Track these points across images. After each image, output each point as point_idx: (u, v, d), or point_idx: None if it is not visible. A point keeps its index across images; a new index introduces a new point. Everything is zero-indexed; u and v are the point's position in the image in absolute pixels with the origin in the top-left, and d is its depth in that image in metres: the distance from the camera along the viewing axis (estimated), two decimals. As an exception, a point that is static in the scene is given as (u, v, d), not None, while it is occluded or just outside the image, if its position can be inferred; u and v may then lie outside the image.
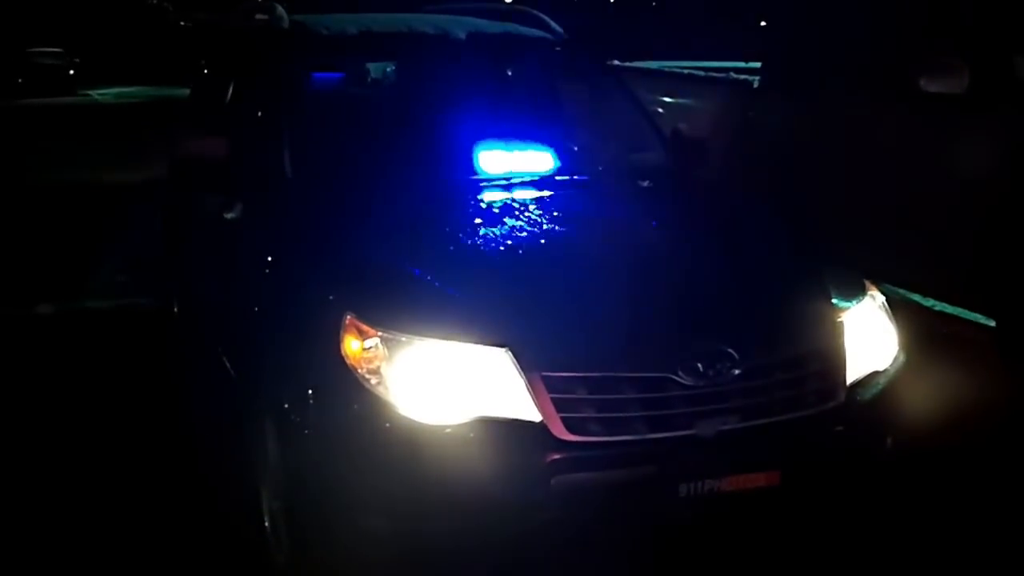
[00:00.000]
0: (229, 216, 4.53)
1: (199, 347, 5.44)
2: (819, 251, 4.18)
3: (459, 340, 3.34)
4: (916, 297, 5.69)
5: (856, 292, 3.94)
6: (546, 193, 4.43)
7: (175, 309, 6.23)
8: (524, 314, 3.43)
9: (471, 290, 3.54)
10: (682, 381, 3.36)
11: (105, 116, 19.98)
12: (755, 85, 7.65)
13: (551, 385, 3.28)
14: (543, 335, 3.37)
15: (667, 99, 8.65)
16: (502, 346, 3.31)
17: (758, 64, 8.06)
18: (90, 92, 25.91)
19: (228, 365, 4.70)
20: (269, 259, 4.16)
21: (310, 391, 3.52)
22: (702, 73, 8.84)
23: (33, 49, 27.26)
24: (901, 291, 5.63)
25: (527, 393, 3.28)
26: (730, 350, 3.42)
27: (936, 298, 5.70)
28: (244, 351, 4.41)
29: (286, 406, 3.62)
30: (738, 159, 6.66)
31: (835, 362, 3.63)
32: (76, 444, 4.97)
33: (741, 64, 9.17)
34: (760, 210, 4.69)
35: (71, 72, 27.66)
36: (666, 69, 9.34)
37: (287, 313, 3.83)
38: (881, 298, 4.01)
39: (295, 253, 4.05)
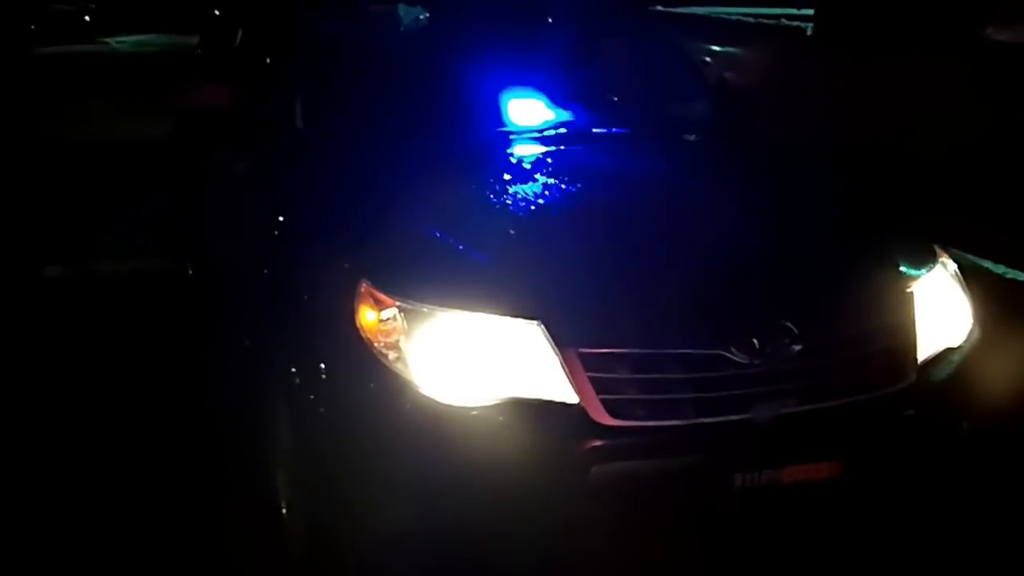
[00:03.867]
0: (237, 171, 4.24)
1: (213, 313, 5.19)
2: (884, 213, 3.81)
3: (486, 312, 3.02)
4: (987, 263, 5.30)
5: (926, 259, 3.56)
6: (582, 148, 4.11)
7: (189, 272, 5.96)
8: (558, 283, 3.09)
9: (499, 256, 3.21)
10: (736, 359, 3.01)
11: (121, 65, 19.61)
12: (808, 33, 7.25)
13: (589, 363, 2.95)
14: (580, 307, 3.04)
15: (714, 47, 8.27)
16: (534, 319, 2.97)
17: (811, 11, 7.67)
18: (108, 40, 25.45)
19: (243, 333, 4.41)
20: (279, 219, 3.86)
21: (323, 366, 3.24)
22: (752, 20, 8.46)
23: None
24: (968, 256, 5.24)
25: (562, 372, 2.95)
26: (789, 324, 3.06)
27: (1008, 265, 5.32)
28: (256, 319, 4.12)
29: (298, 381, 3.35)
30: (790, 112, 6.28)
31: (905, 338, 3.27)
32: (81, 419, 4.73)
33: (793, 11, 8.82)
34: (818, 168, 4.32)
35: (87, 19, 27.10)
36: (713, 16, 8.94)
37: (297, 279, 3.54)
38: (953, 266, 3.65)
39: (306, 213, 3.75)
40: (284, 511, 3.67)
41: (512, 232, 3.39)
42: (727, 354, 3.01)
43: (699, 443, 3.01)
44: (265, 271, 3.90)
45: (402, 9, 4.95)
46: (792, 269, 3.31)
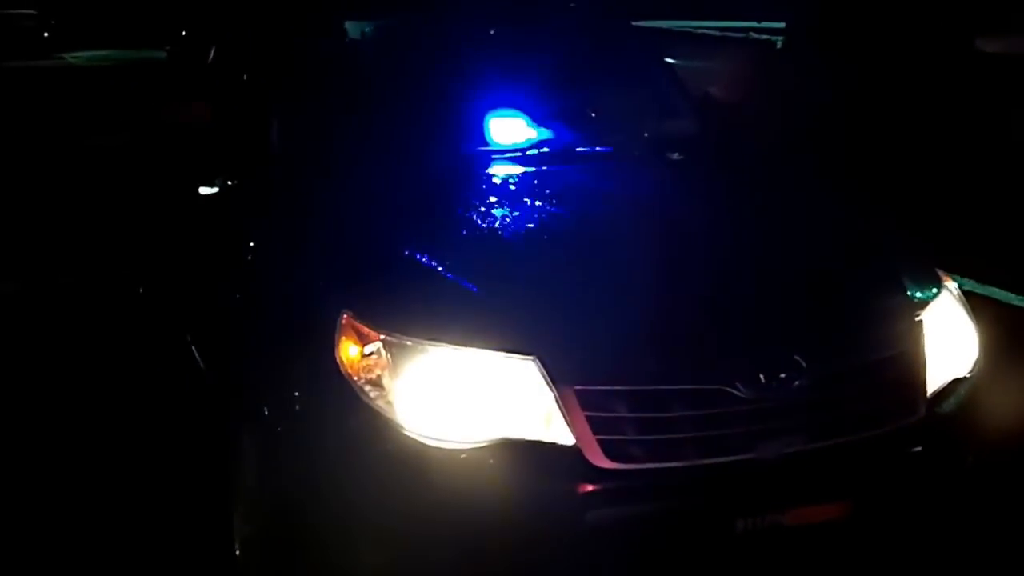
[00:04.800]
0: (206, 192, 4.03)
1: (166, 335, 5.00)
2: (886, 234, 3.65)
3: (477, 347, 2.82)
4: (968, 283, 5.17)
5: (931, 284, 3.39)
6: (569, 169, 3.94)
7: (140, 291, 5.72)
8: (554, 316, 2.90)
9: (491, 286, 3.00)
10: (740, 395, 2.83)
11: (76, 79, 19.46)
12: (778, 46, 7.11)
13: (586, 401, 2.76)
14: (577, 342, 2.84)
15: (675, 62, 8.11)
16: (529, 355, 2.78)
17: (774, 24, 7.54)
18: (64, 55, 25.40)
19: (198, 358, 4.20)
20: (251, 244, 3.66)
21: (298, 402, 3.03)
22: (717, 33, 8.33)
23: (5, 11, 26.72)
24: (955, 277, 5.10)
25: (558, 411, 2.76)
26: (796, 357, 2.88)
27: (995, 285, 5.19)
28: (219, 346, 3.93)
29: (267, 414, 3.15)
30: (760, 126, 6.14)
31: (915, 370, 3.10)
32: (26, 444, 4.51)
33: (754, 24, 8.71)
34: (815, 188, 4.14)
35: (45, 34, 27.10)
36: (676, 29, 8.79)
37: (272, 308, 3.34)
38: (957, 289, 3.49)
39: (282, 238, 3.55)
40: (239, 552, 3.47)
41: (504, 260, 3.20)
42: (731, 390, 2.83)
43: (700, 486, 2.84)
44: (234, 296, 3.70)
45: (348, 24, 4.78)
46: (798, 299, 3.14)
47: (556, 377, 2.76)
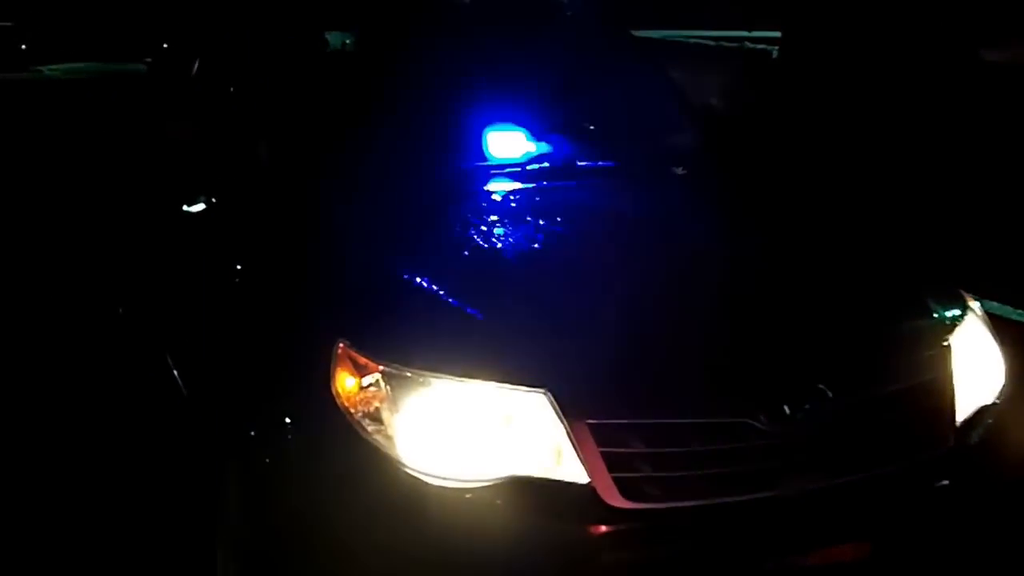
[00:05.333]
0: (190, 210, 3.88)
1: (147, 358, 4.80)
2: (907, 254, 3.50)
3: (484, 379, 2.64)
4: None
5: (956, 306, 3.24)
6: (573, 185, 3.79)
7: (120, 311, 5.53)
8: (565, 346, 2.73)
9: (498, 314, 2.83)
10: (763, 428, 2.66)
11: (53, 92, 19.37)
12: (774, 56, 6.99)
13: (601, 436, 2.59)
14: (590, 373, 2.67)
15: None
16: (539, 387, 2.61)
17: (765, 33, 7.43)
18: (41, 68, 25.42)
19: (180, 383, 4.07)
20: (239, 267, 3.48)
21: (289, 434, 2.86)
22: (712, 43, 8.21)
23: None
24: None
25: (570, 447, 2.59)
26: (822, 386, 2.72)
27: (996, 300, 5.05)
28: (203, 370, 3.76)
29: (255, 447, 2.98)
30: (764, 139, 6.01)
31: (945, 397, 2.95)
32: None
33: (744, 33, 8.62)
34: (832, 207, 3.97)
35: (23, 47, 27.09)
36: (668, 39, 8.66)
37: (261, 335, 3.17)
38: (982, 311, 3.33)
39: (272, 261, 3.37)
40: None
41: (511, 285, 3.02)
42: (754, 422, 2.66)
43: (721, 527, 2.67)
44: (221, 320, 3.52)
45: (329, 35, 4.65)
46: (821, 325, 2.97)
47: (568, 411, 2.59)
